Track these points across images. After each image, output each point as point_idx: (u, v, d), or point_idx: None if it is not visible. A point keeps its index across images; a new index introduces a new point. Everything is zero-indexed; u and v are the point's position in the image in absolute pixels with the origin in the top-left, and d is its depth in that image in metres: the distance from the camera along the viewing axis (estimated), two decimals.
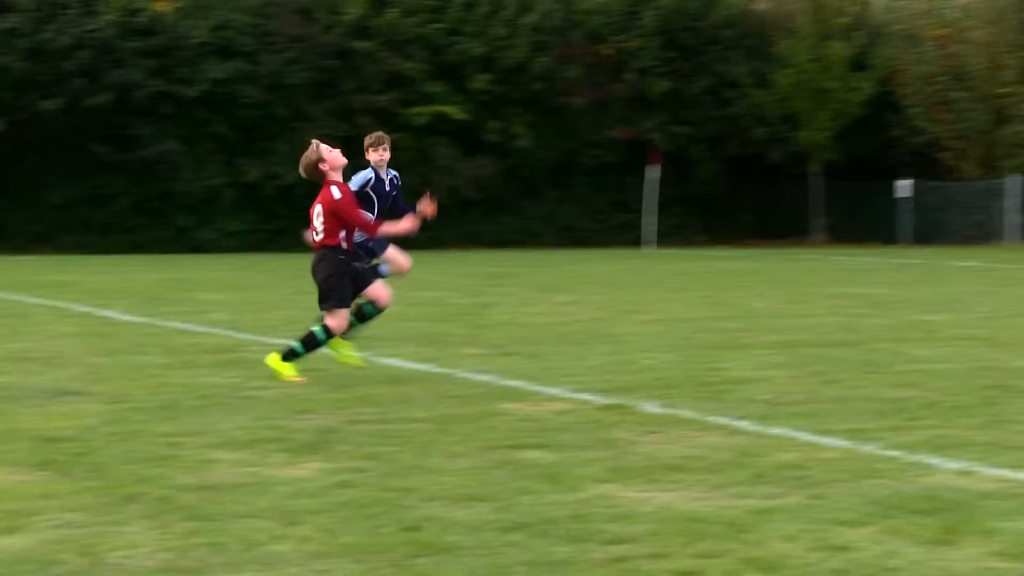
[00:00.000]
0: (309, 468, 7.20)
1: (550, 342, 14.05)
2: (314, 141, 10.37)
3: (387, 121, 38.49)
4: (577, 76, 42.33)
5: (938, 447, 7.87)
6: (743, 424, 8.78)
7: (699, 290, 24.15)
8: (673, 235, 42.43)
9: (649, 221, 41.99)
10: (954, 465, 7.36)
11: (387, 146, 11.54)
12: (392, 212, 11.53)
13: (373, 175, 11.26)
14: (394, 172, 11.66)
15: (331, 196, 9.72)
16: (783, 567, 5.30)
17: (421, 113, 39.11)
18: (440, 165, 39.61)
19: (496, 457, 7.66)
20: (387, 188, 11.45)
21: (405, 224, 10.92)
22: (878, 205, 45.14)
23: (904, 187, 43.82)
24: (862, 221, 44.62)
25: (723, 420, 8.87)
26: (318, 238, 9.99)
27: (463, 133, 40.40)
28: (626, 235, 42.51)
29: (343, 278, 9.88)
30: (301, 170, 10.17)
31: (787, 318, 17.57)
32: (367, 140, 11.75)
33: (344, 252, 9.83)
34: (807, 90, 41.86)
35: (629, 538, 5.84)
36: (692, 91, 43.13)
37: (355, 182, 11.27)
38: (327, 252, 9.92)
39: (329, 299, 10.09)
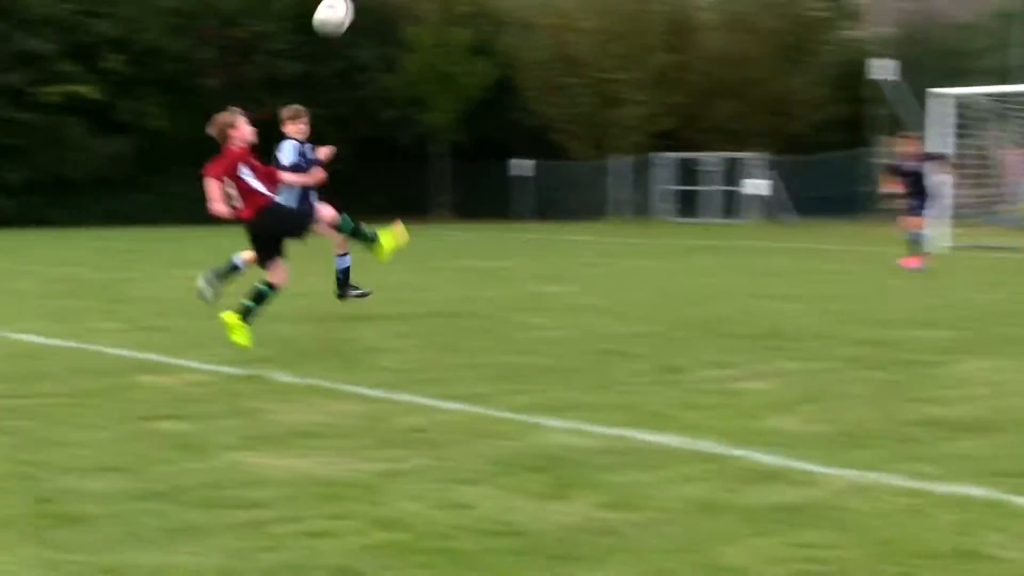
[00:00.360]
0: None
1: (185, 315, 13.87)
2: (234, 109, 10.22)
3: (17, 100, 38.33)
4: (211, 58, 42.60)
5: (552, 408, 8.13)
6: (373, 392, 8.82)
7: (332, 266, 26.46)
8: None
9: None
10: (566, 424, 7.65)
11: (306, 119, 12.05)
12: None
13: (301, 145, 11.81)
14: (309, 143, 12.51)
15: (243, 156, 9.54)
16: (408, 525, 5.39)
17: (53, 92, 38.67)
18: (73, 143, 39.34)
19: (131, 428, 7.51)
20: (310, 157, 11.95)
21: (316, 174, 11.63)
22: (499, 184, 46.75)
23: (521, 166, 46.00)
24: (484, 199, 45.95)
25: (354, 388, 8.91)
26: (240, 204, 9.84)
27: (97, 113, 40.26)
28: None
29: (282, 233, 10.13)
30: (212, 129, 9.92)
31: (413, 291, 17.99)
32: (285, 113, 12.16)
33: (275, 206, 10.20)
34: (432, 74, 43.57)
35: (262, 503, 5.81)
36: (323, 74, 44.07)
37: (289, 153, 11.69)
38: (266, 210, 9.74)
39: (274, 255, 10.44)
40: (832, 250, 28.78)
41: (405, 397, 8.73)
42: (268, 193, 10.22)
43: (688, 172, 45.11)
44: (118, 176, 40.98)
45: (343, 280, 12.92)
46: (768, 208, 43.10)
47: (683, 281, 19.73)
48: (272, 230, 10.52)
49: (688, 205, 44.96)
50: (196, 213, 37.89)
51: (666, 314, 14.70)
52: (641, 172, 45.58)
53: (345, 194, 41.02)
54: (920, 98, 37.45)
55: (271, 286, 10.52)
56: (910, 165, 19.55)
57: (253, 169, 10.25)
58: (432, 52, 43.73)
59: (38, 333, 12.28)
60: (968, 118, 30.25)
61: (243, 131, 10.35)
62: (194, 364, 10.23)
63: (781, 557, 5.15)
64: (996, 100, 30.78)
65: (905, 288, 18.33)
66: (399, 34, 44.90)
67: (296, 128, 11.51)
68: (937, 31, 46.07)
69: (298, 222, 10.66)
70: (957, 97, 29.08)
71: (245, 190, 10.11)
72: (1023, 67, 38.94)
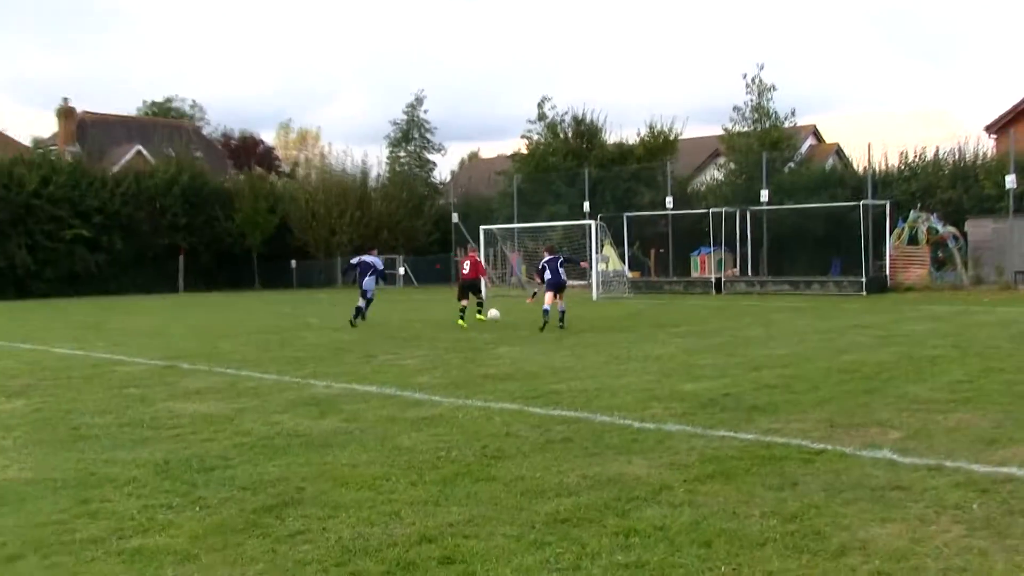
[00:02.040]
0: None
1: (138, 337, 17.48)
2: None
3: None
4: None
5: (316, 375, 11.13)
6: (236, 371, 11.72)
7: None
8: None
9: None
10: (323, 383, 10.36)
11: None
12: None
13: None
14: None
15: None
16: (251, 434, 7.96)
17: None
18: None
19: (112, 393, 10.09)
20: None
21: None
22: (281, 272, 55.70)
23: (293, 264, 55.86)
24: (276, 279, 55.93)
25: (222, 369, 11.73)
26: None
27: None
28: None
29: None
30: None
31: (244, 322, 22.13)
32: None
33: None
34: (250, 222, 54.45)
35: (181, 426, 8.38)
36: (197, 222, 52.74)
37: None
38: None
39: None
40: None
41: (245, 373, 11.69)
42: None
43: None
44: None
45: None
46: (405, 279, 51.56)
47: (369, 311, 22.59)
48: None
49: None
50: None
51: (361, 330, 18.99)
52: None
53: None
54: (472, 230, 45.23)
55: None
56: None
57: None
58: (249, 211, 54.11)
59: (65, 347, 15.65)
60: (494, 238, 41.36)
61: None
62: (140, 360, 13.21)
63: (425, 440, 7.52)
64: (505, 230, 41.49)
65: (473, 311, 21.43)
66: (234, 203, 54.04)
67: None
68: (477, 200, 53.73)
69: None
70: (490, 230, 39.27)
71: None
72: (519, 216, 45.95)
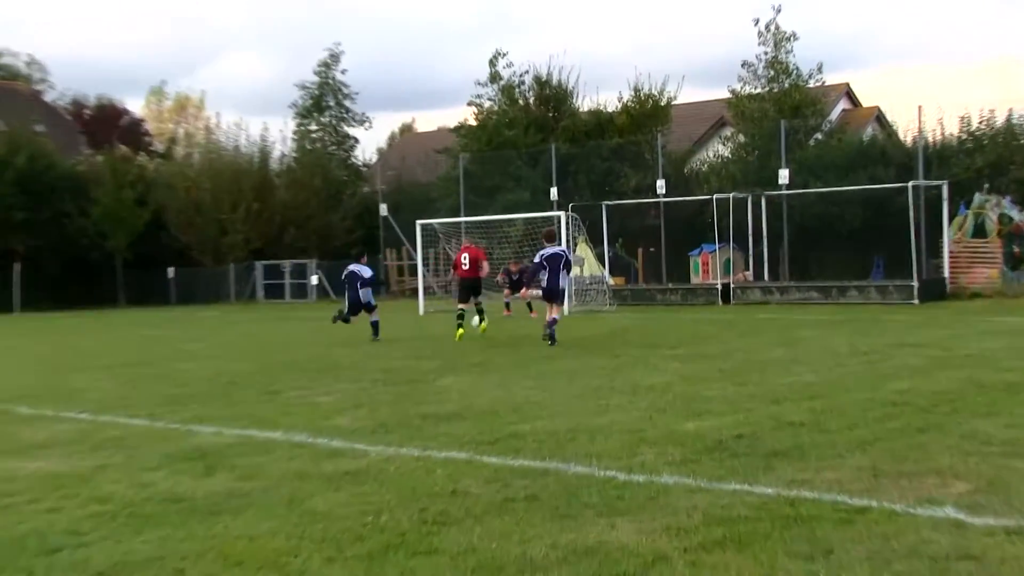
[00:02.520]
0: None
1: None
2: None
3: None
4: None
5: (200, 419, 11.47)
6: (83, 416, 12.17)
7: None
8: None
9: None
10: (210, 429, 10.72)
11: None
12: None
13: None
14: None
15: None
16: (113, 499, 8.13)
17: None
18: None
19: None
20: None
21: None
22: (156, 283, 58.29)
23: (169, 272, 58.78)
24: (145, 292, 57.66)
25: (70, 414, 12.35)
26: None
27: None
28: None
29: None
30: None
31: (106, 351, 23.01)
32: None
33: None
34: (111, 218, 55.70)
35: (16, 492, 8.46)
36: (41, 218, 53.48)
37: None
38: None
39: None
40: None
41: (106, 418, 11.72)
42: None
43: (274, 272, 57.03)
44: None
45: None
46: (320, 291, 55.06)
47: (271, 332, 27.11)
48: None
49: (276, 292, 56.60)
50: None
51: (261, 357, 20.04)
52: (246, 273, 57.03)
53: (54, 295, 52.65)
54: (406, 226, 46.68)
55: None
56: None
57: None
58: (111, 204, 55.01)
59: None
60: (434, 236, 41.42)
61: None
62: None
63: (346, 502, 7.54)
64: (448, 226, 41.19)
65: (402, 335, 24.44)
66: (90, 193, 54.67)
67: None
68: (412, 187, 55.93)
69: None
70: (429, 225, 39.39)
71: None
72: (467, 206, 47.39)
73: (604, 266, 40.14)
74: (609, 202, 42.83)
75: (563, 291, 20.73)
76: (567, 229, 34.48)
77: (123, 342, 26.81)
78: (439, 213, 45.93)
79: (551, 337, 20.41)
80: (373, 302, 23.90)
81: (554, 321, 20.66)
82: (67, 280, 55.29)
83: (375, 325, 23.70)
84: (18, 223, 52.90)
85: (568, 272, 20.75)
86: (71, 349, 24.69)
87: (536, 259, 20.97)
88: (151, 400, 13.78)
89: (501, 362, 17.45)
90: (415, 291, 41.36)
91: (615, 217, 42.68)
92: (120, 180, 55.94)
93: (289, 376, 16.21)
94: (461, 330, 22.14)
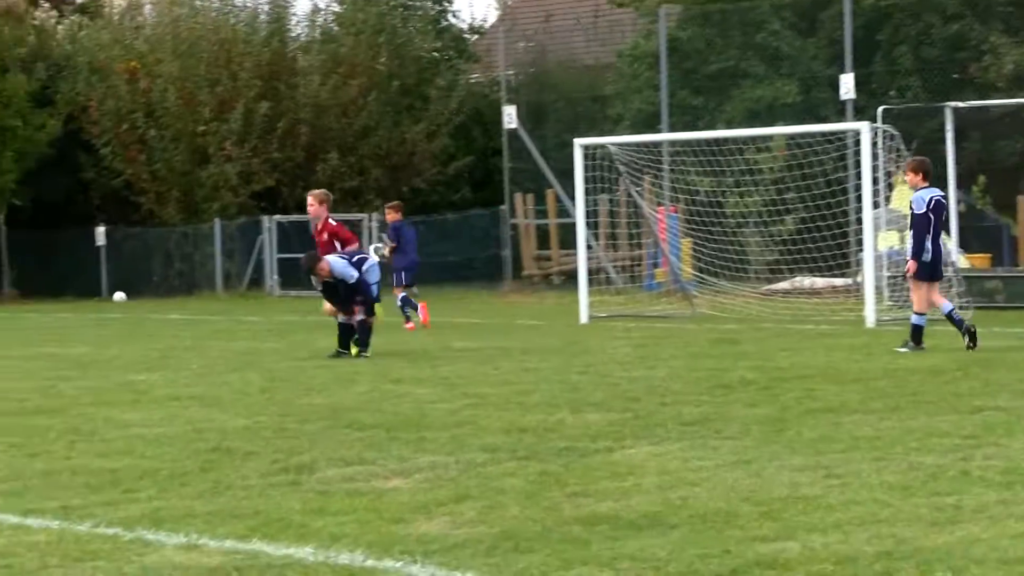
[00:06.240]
0: None
1: None
2: None
3: None
4: None
5: (158, 521, 11.88)
6: None
7: None
8: None
9: None
10: (177, 540, 11.25)
11: None
12: None
13: None
14: None
15: None
16: None
17: None
18: None
19: None
20: None
21: None
22: (76, 254, 61.49)
23: (100, 234, 60.69)
24: (57, 273, 61.09)
25: None
26: None
27: None
28: None
29: None
30: None
31: None
32: None
33: None
34: None
35: None
36: None
37: None
38: None
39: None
40: (464, 323, 38.44)
41: None
42: None
43: (297, 235, 56.92)
44: None
45: None
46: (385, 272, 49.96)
47: (297, 364, 27.52)
48: None
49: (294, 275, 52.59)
50: None
51: (274, 401, 21.24)
52: (243, 237, 60.01)
53: None
54: (554, 151, 51.77)
55: None
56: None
57: None
58: None
59: None
60: (606, 169, 42.69)
61: None
62: None
63: None
64: (636, 149, 42.93)
65: (548, 366, 26.06)
66: None
67: None
68: (562, 77, 60.30)
69: None
70: (598, 147, 41.47)
71: None
72: (672, 112, 50.42)
73: (949, 233, 39.26)
74: (960, 103, 43.15)
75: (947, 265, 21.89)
76: (878, 156, 36.75)
77: (13, 368, 28.50)
78: (617, 127, 50.19)
79: (970, 336, 24.03)
80: (375, 294, 28.01)
81: (951, 312, 24.04)
82: None
83: (358, 332, 28.40)
84: None
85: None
86: None
87: (918, 207, 24.15)
88: (62, 481, 14.37)
89: (741, 415, 18.27)
90: (569, 276, 45.87)
91: (971, 133, 45.65)
92: (1, 55, 58.76)
93: (327, 438, 17.07)
94: None
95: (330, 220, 29.34)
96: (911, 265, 27.76)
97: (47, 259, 61.76)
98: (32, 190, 60.22)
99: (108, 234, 62.23)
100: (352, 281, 28.38)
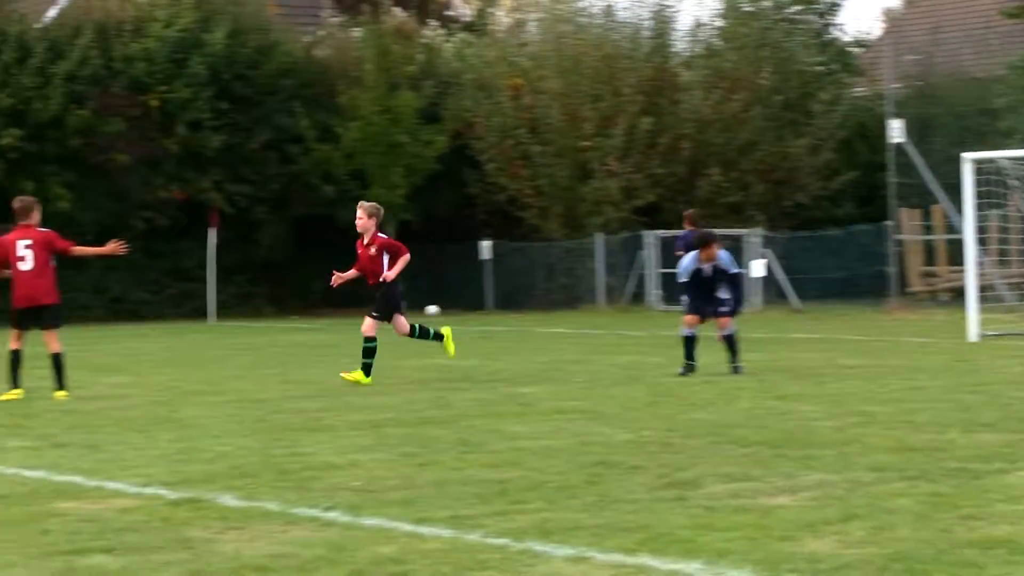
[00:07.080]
0: None
1: (107, 430, 19.82)
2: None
3: None
4: (120, 131, 57.67)
5: (546, 532, 11.89)
6: (333, 515, 12.91)
7: (272, 366, 32.78)
8: (238, 305, 58.64)
9: (211, 290, 56.81)
10: (565, 551, 11.26)
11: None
12: None
13: None
14: None
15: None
16: None
17: None
18: None
19: (56, 565, 10.80)
20: None
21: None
22: (460, 269, 63.26)
23: (486, 248, 62.22)
24: (444, 287, 62.56)
25: (311, 512, 13.07)
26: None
27: None
28: (185, 306, 59.98)
29: None
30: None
31: (371, 395, 24.84)
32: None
33: None
34: (376, 144, 60.03)
35: None
36: (251, 146, 60.20)
37: None
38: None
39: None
40: (849, 340, 38.03)
41: (372, 521, 12.89)
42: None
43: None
44: None
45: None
46: (769, 287, 57.20)
47: (681, 379, 27.46)
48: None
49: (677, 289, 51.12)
50: (112, 310, 58.63)
51: (658, 416, 21.28)
52: (625, 252, 60.40)
53: (282, 279, 61.58)
54: (939, 162, 51.61)
55: None
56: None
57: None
58: (375, 119, 60.18)
59: None
60: (998, 184, 43.02)
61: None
62: (122, 487, 14.78)
63: None
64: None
65: (937, 385, 25.45)
66: (337, 99, 60.44)
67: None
68: (951, 87, 59.97)
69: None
70: (985, 162, 40.84)
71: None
72: None
73: None
74: None
75: None
76: None
77: (398, 376, 29.27)
78: (1009, 139, 49.57)
79: None
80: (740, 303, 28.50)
81: None
82: (295, 257, 62.33)
83: (729, 345, 28.43)
84: (212, 156, 59.02)
85: None
86: (304, 386, 27.54)
87: None
88: (453, 491, 14.44)
89: None
90: (957, 293, 45.28)
91: None
92: (391, 73, 61.07)
93: (712, 454, 17.04)
94: None
95: (379, 234, 28.67)
96: None
97: (437, 274, 62.70)
98: (420, 205, 61.59)
99: (493, 248, 63.39)
100: (734, 271, 28.37)
